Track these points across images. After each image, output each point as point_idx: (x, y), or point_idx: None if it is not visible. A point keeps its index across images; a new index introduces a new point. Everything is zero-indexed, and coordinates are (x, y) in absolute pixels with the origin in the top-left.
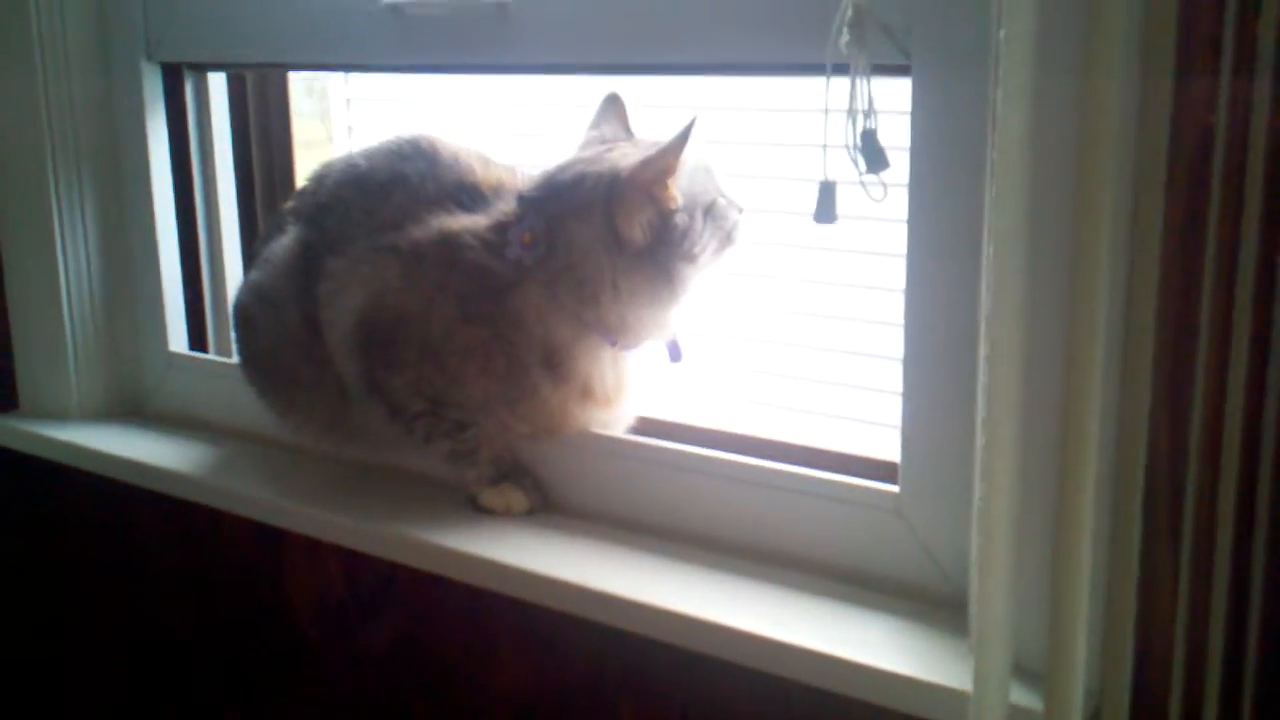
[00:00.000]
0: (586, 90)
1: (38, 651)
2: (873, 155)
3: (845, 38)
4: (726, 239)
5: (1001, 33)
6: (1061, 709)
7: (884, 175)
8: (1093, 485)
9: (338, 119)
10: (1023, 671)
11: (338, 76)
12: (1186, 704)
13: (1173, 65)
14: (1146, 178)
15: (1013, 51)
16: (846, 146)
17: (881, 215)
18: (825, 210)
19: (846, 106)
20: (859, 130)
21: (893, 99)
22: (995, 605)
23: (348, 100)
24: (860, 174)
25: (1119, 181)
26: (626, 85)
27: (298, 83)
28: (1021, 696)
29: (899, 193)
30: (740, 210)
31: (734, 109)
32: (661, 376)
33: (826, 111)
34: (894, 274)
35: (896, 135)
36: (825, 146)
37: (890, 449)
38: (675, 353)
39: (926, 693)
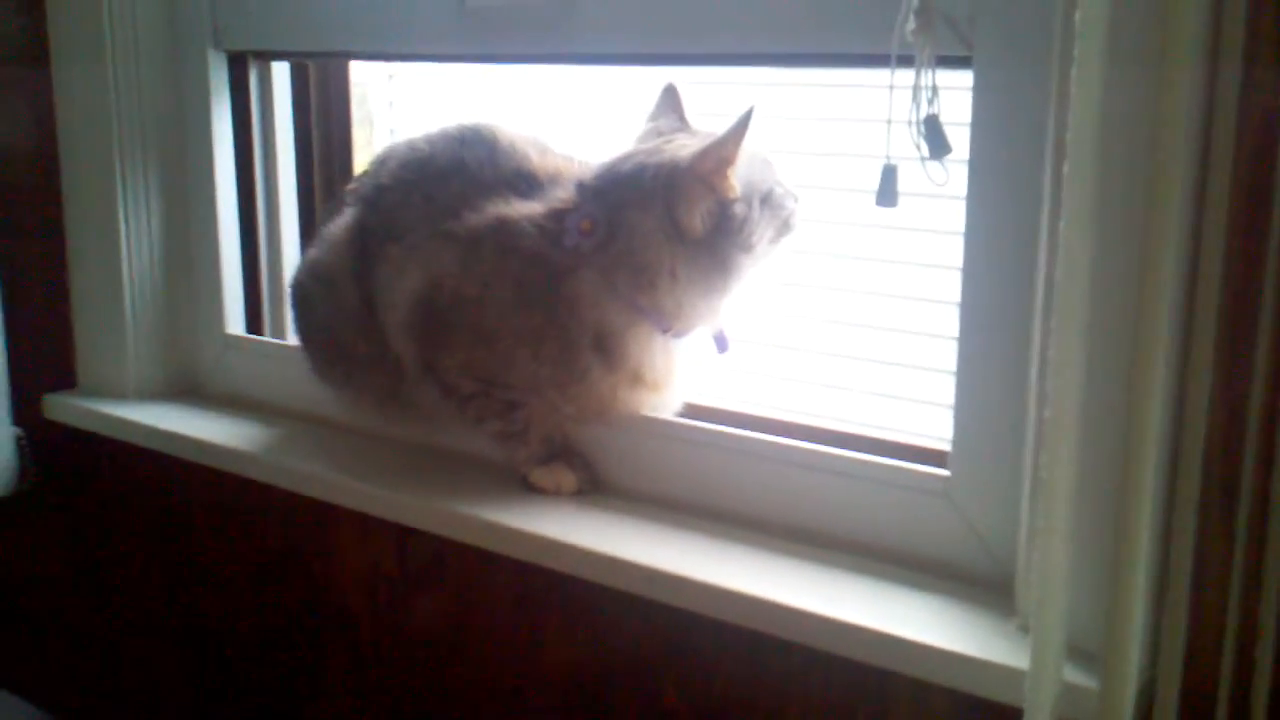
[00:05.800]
0: (634, 88)
1: (93, 626)
2: (935, 141)
3: (911, 25)
4: (783, 227)
5: (1078, 15)
6: (1117, 685)
7: (945, 159)
8: (1151, 466)
9: (380, 122)
10: (1072, 650)
11: (380, 80)
12: (1236, 680)
13: (1242, 52)
14: (1214, 162)
15: (1086, 37)
16: (909, 128)
17: (937, 193)
18: (887, 193)
19: (910, 93)
20: (922, 115)
21: (951, 79)
22: (1053, 582)
23: (390, 103)
24: (922, 159)
25: (1187, 164)
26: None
27: None
28: (1073, 675)
29: (956, 170)
30: (796, 199)
31: (792, 85)
32: (709, 366)
33: (891, 98)
34: (950, 252)
35: (955, 116)
36: (889, 129)
37: (941, 432)
38: (722, 343)
39: (979, 670)
